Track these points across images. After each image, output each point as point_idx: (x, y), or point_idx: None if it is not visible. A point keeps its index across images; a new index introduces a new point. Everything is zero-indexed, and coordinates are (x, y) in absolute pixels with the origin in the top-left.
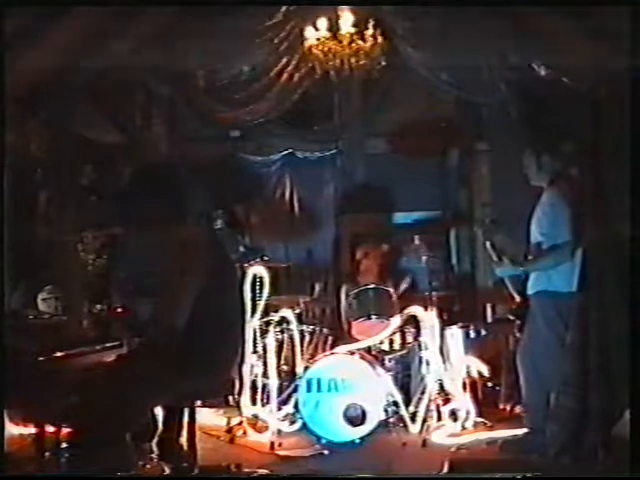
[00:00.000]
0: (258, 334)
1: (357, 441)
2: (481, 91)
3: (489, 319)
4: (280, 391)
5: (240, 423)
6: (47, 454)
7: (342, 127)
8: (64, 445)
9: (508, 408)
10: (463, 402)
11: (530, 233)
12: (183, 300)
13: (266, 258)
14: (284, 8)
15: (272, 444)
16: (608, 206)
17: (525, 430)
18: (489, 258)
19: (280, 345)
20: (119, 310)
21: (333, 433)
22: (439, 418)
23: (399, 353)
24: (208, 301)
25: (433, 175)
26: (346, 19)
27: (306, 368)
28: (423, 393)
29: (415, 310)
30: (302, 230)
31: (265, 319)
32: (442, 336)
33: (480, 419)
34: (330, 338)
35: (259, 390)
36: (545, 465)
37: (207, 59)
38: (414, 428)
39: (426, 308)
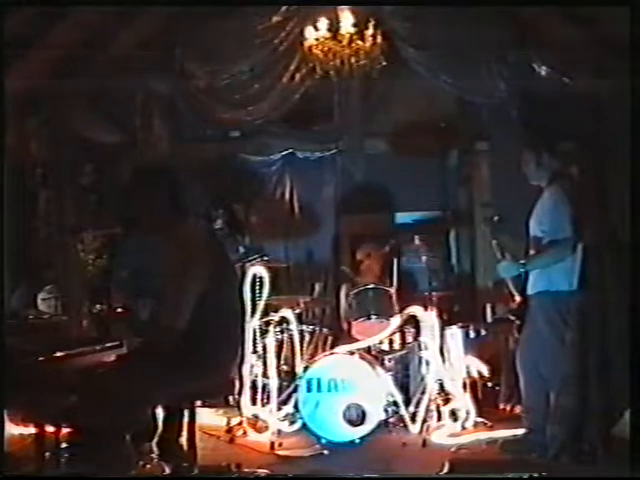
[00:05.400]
0: (258, 334)
1: (357, 441)
2: (481, 91)
3: (489, 319)
4: (280, 391)
5: (240, 423)
6: (47, 454)
7: (342, 127)
8: (64, 445)
9: (508, 408)
10: (463, 402)
11: (530, 230)
12: (183, 300)
13: (266, 258)
14: (284, 8)
15: (272, 444)
16: (608, 205)
17: (525, 430)
18: (494, 256)
19: (280, 345)
20: (119, 310)
21: (333, 433)
22: (439, 418)
23: (399, 353)
24: (208, 301)
25: (433, 175)
26: (346, 19)
27: (306, 368)
28: (423, 393)
29: (415, 310)
30: (302, 230)
31: (265, 319)
32: (442, 336)
33: (480, 419)
34: (330, 338)
35: (259, 390)
36: (545, 465)
37: (207, 59)
38: (414, 428)
39: (426, 308)
